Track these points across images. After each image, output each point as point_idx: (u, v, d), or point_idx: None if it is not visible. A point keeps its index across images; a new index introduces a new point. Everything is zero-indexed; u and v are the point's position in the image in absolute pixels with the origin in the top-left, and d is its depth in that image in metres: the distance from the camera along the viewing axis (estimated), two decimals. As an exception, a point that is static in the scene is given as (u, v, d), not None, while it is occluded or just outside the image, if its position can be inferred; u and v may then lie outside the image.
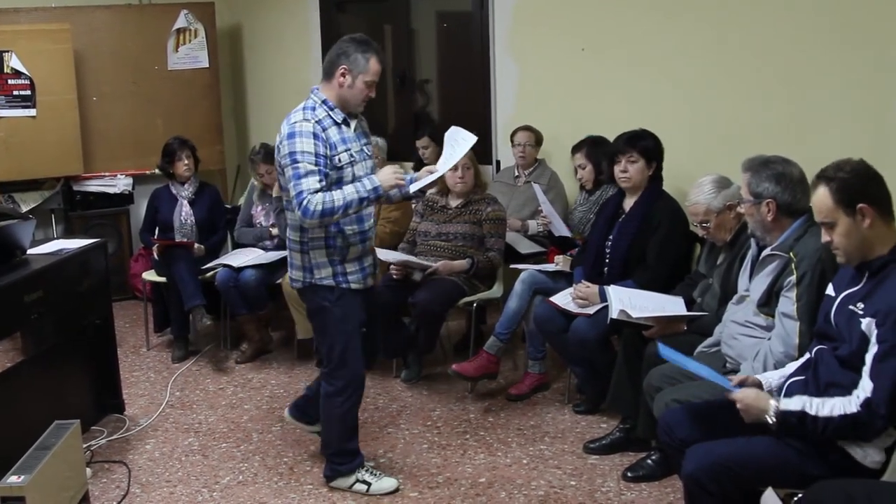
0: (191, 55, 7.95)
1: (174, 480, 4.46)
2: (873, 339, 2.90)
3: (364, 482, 4.27)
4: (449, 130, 4.18)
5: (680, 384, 3.86)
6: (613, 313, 4.42)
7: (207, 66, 7.99)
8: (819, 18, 5.42)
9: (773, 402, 3.08)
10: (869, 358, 2.92)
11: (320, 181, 3.80)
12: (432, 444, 4.79)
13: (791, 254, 3.55)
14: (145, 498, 4.29)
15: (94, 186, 7.71)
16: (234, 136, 8.65)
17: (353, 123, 4.04)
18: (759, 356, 3.56)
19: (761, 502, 2.90)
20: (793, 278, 3.52)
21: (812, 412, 2.98)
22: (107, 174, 7.73)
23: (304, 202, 3.77)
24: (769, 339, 3.59)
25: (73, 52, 7.33)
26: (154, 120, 7.83)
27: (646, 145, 4.95)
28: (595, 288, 4.81)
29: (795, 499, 2.90)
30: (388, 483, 4.30)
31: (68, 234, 7.45)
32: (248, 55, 8.57)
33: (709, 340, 4.08)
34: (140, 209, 7.25)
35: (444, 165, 4.07)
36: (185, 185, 6.49)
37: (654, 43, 6.06)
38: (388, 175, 3.96)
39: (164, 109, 7.88)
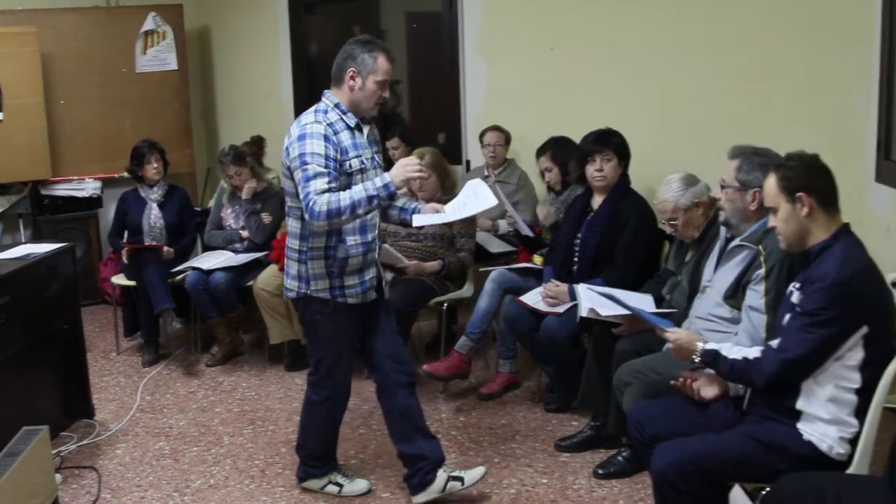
0: (159, 57, 7.91)
1: (145, 485, 4.44)
2: (797, 306, 3.08)
3: (336, 484, 4.26)
4: (472, 181, 4.08)
5: (649, 379, 3.89)
6: (583, 311, 4.43)
7: (176, 68, 7.95)
8: (784, 16, 5.49)
9: (700, 344, 3.32)
10: (786, 318, 3.11)
11: (329, 183, 3.67)
12: (404, 445, 4.78)
13: (760, 246, 3.58)
14: (116, 503, 4.26)
15: (62, 190, 7.65)
16: (203, 139, 8.62)
17: (366, 130, 3.94)
18: (726, 351, 3.58)
19: (729, 498, 2.92)
20: (761, 271, 3.54)
21: (723, 353, 3.25)
22: (75, 178, 7.67)
23: (311, 203, 3.64)
24: (736, 333, 3.62)
25: (39, 55, 7.27)
26: (122, 123, 7.78)
27: (619, 142, 4.98)
28: (565, 287, 4.82)
29: (763, 493, 2.92)
30: (360, 485, 4.29)
31: (36, 238, 7.38)
32: (217, 57, 8.54)
33: (677, 337, 4.10)
34: (109, 213, 7.21)
35: (453, 213, 3.97)
36: (154, 188, 6.46)
37: (622, 41, 6.10)
38: (399, 170, 3.78)
39: (132, 112, 7.83)
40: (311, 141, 3.70)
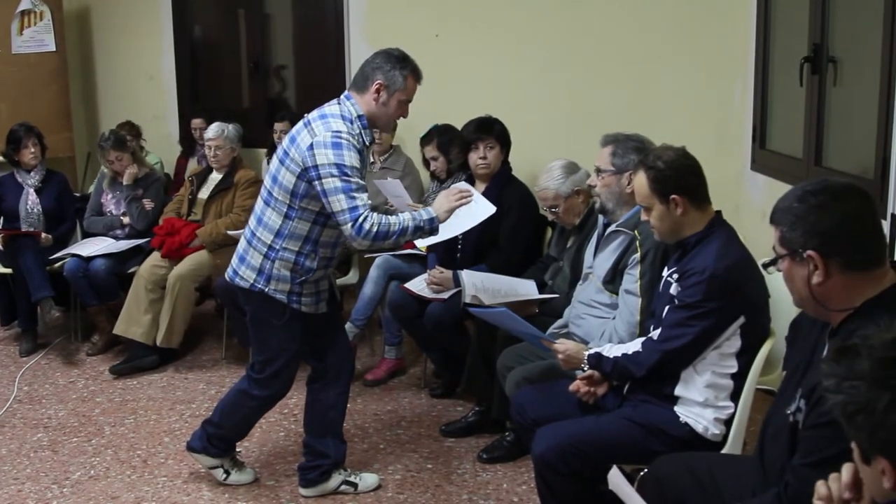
0: (36, 38, 7.66)
1: (22, 478, 4.34)
2: (676, 298, 3.16)
3: (226, 470, 4.22)
4: (459, 185, 3.98)
5: (530, 363, 3.95)
6: (466, 298, 4.47)
7: (54, 49, 7.70)
8: (665, 9, 5.61)
9: (585, 352, 3.40)
10: (666, 310, 3.19)
11: (367, 199, 3.59)
12: (289, 433, 4.77)
13: (636, 231, 3.66)
14: (-9, 497, 4.17)
15: (-66, 175, 7.38)
16: (83, 123, 8.38)
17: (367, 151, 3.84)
18: (604, 335, 3.66)
19: (608, 479, 2.98)
20: (637, 256, 3.62)
21: (605, 353, 3.34)
22: (-52, 162, 7.41)
23: (361, 219, 3.50)
24: (614, 318, 3.70)
25: None
26: (-2, 105, 7.55)
27: (501, 130, 5.04)
28: (449, 273, 4.85)
29: (641, 474, 2.99)
30: (246, 476, 4.27)
31: None
32: (98, 39, 8.31)
33: (559, 322, 4.17)
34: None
35: (450, 228, 3.85)
36: (32, 173, 6.29)
37: (505, 30, 6.18)
38: (444, 203, 3.70)
39: (8, 94, 7.55)
40: (348, 153, 3.56)
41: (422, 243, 4.01)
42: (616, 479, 2.78)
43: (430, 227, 3.66)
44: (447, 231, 3.84)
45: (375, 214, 3.55)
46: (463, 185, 4.05)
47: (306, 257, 3.74)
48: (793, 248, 2.26)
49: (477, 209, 3.83)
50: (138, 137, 7.17)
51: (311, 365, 4.09)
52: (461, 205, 3.73)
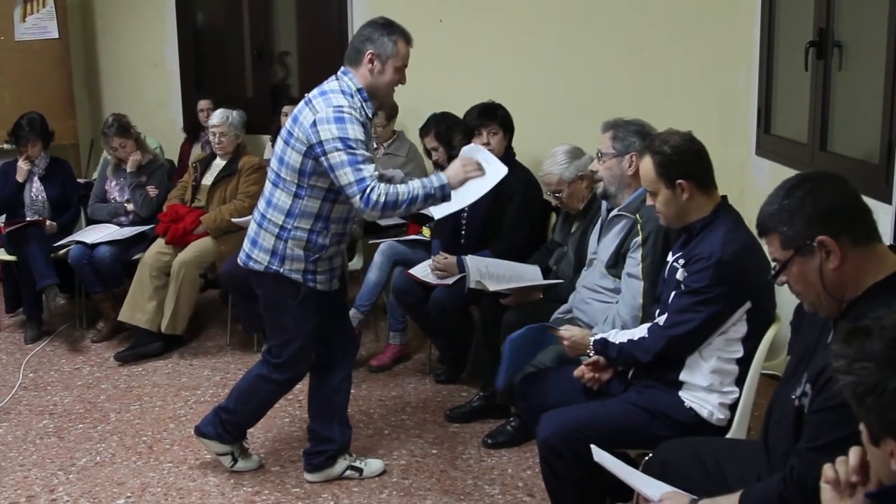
0: (39, 25, 7.65)
1: (28, 464, 4.35)
2: (682, 284, 3.15)
3: (234, 457, 4.22)
4: (468, 148, 3.95)
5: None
6: (471, 283, 4.47)
7: (57, 36, 7.69)
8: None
9: (591, 337, 3.41)
10: (672, 296, 3.18)
11: (374, 171, 3.58)
12: (294, 419, 4.78)
13: (637, 215, 3.66)
14: (-3, 483, 4.18)
15: (-63, 163, 7.38)
16: (87, 109, 8.37)
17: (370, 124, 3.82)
18: (608, 320, 3.66)
19: (593, 457, 2.95)
20: (638, 239, 3.62)
21: (611, 339, 3.31)
22: (-49, 150, 7.41)
23: (368, 190, 3.49)
24: (617, 302, 3.70)
25: (-89, 22, 6.99)
26: (1, 93, 7.51)
27: (504, 116, 5.03)
28: (453, 259, 4.85)
29: (646, 459, 2.99)
30: (251, 463, 4.27)
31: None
32: (101, 26, 8.29)
33: (563, 307, 4.17)
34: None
35: (462, 198, 3.75)
36: (36, 161, 6.28)
37: (508, 15, 6.17)
38: (458, 170, 3.66)
39: (11, 82, 7.55)
40: (352, 126, 3.55)
41: (435, 211, 3.97)
42: (600, 456, 2.79)
43: (442, 195, 3.63)
44: (460, 199, 3.76)
45: (383, 185, 3.54)
46: (476, 148, 3.98)
47: (318, 234, 3.74)
48: (799, 244, 2.25)
49: (490, 172, 3.74)
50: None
51: (317, 351, 4.09)
52: (474, 177, 3.68)
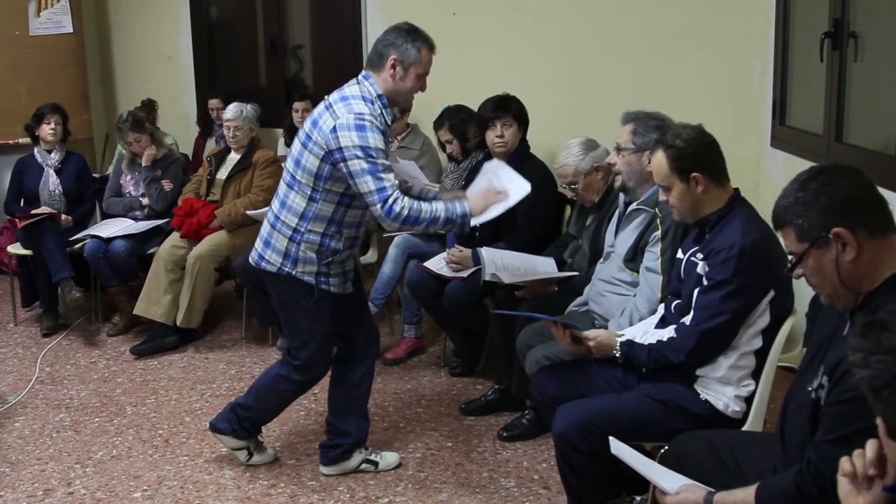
0: (53, 20, 7.68)
1: (45, 458, 4.37)
2: (704, 278, 3.13)
3: (249, 452, 4.23)
4: (491, 164, 3.97)
5: (551, 341, 3.94)
6: (486, 276, 4.46)
7: (72, 31, 7.73)
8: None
9: (617, 339, 3.35)
10: (696, 293, 3.15)
11: (394, 180, 3.59)
12: (309, 412, 4.79)
13: (656, 209, 3.64)
14: (15, 477, 4.18)
15: (-47, 157, 7.42)
16: (101, 104, 8.41)
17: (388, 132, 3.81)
18: (625, 313, 3.65)
19: (611, 450, 2.95)
20: (658, 233, 3.61)
21: (638, 341, 3.27)
22: (-33, 144, 7.45)
23: (391, 200, 3.50)
24: (634, 295, 3.69)
25: (-73, 18, 7.02)
26: (16, 88, 7.55)
27: (518, 108, 5.02)
28: (468, 251, 4.84)
29: (662, 451, 2.99)
30: (266, 457, 4.28)
31: (-73, 207, 7.17)
32: (115, 20, 8.33)
33: (579, 300, 4.17)
34: (3, 180, 7.01)
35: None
36: (52, 154, 6.32)
37: (522, 7, 6.14)
38: (480, 202, 3.69)
39: (26, 77, 7.59)
40: (372, 134, 3.54)
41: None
42: (617, 447, 2.79)
43: (462, 223, 3.67)
44: (480, 218, 3.76)
45: (407, 199, 3.54)
46: (499, 164, 3.98)
47: (331, 238, 3.73)
48: (815, 236, 2.24)
49: (512, 190, 3.75)
50: (153, 112, 7.20)
51: (337, 346, 4.09)
52: (496, 203, 3.70)
